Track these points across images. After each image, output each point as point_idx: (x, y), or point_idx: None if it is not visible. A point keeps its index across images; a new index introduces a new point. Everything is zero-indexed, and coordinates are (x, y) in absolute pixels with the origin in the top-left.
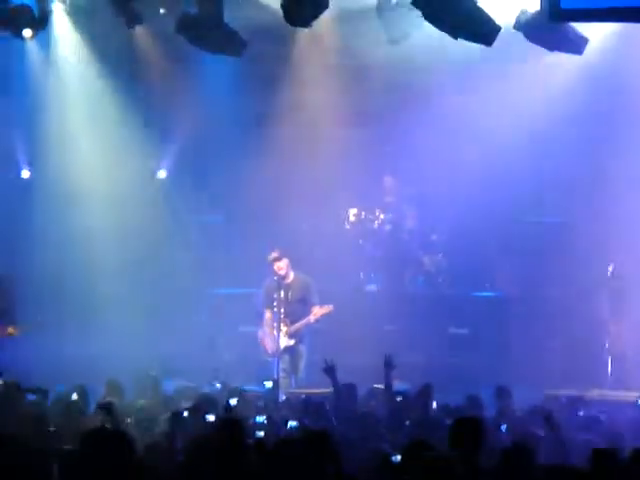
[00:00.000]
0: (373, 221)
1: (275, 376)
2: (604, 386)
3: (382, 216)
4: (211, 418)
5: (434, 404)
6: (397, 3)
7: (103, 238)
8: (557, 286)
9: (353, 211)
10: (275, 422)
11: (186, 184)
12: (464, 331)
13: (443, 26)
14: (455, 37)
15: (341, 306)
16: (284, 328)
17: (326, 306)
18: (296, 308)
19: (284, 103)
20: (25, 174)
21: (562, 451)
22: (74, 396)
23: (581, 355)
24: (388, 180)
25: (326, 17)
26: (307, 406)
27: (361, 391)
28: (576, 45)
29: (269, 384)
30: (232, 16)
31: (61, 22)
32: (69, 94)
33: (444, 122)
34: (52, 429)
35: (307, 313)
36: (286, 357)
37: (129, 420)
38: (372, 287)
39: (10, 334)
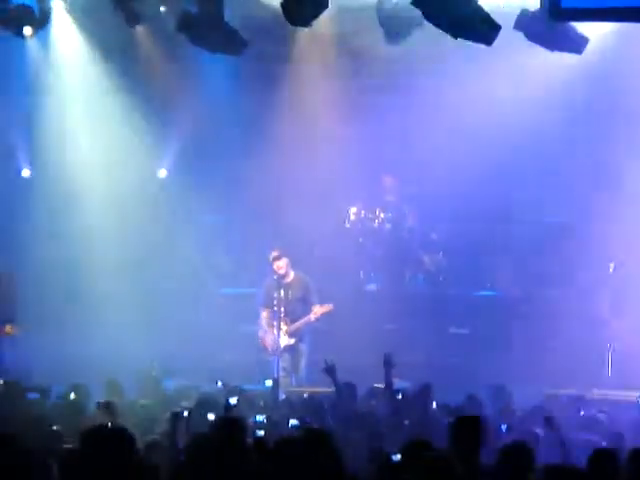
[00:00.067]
0: (373, 220)
1: (275, 375)
2: (604, 386)
3: (382, 215)
4: (211, 417)
5: (434, 404)
6: (397, 2)
7: (103, 237)
8: (558, 285)
9: (353, 210)
10: (275, 421)
11: (186, 183)
12: (464, 331)
13: (443, 25)
14: (455, 37)
15: (341, 305)
16: (284, 327)
17: (326, 305)
18: (296, 307)
19: (284, 102)
20: (25, 173)
21: (563, 451)
22: (74, 395)
23: (581, 355)
24: (388, 179)
25: (326, 16)
26: (307, 405)
27: (361, 390)
28: (576, 44)
29: (269, 383)
30: (232, 15)
31: (62, 21)
32: (69, 93)
33: (444, 121)
34: (53, 428)
35: (307, 312)
36: (286, 356)
37: (130, 419)
38: (372, 286)
39: (8, 333)
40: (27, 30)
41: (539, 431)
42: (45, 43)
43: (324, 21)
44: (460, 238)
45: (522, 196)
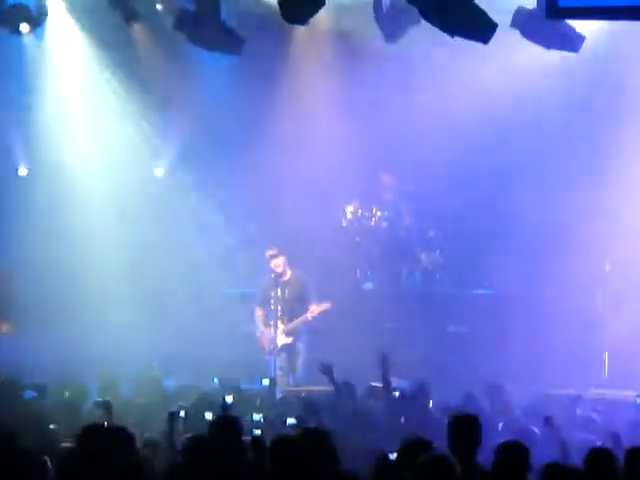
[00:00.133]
0: (370, 218)
1: (272, 374)
2: (602, 385)
3: (379, 213)
4: (209, 416)
5: (431, 402)
6: (393, 0)
7: (102, 236)
8: (555, 284)
9: (350, 208)
10: (272, 420)
11: (185, 182)
12: (462, 329)
13: (440, 23)
14: (452, 35)
15: (338, 304)
16: (281, 326)
17: (323, 304)
18: (293, 306)
19: (282, 100)
20: (23, 172)
21: (562, 451)
22: (72, 394)
23: (579, 354)
24: (386, 178)
25: (323, 14)
26: (304, 404)
27: (359, 389)
28: (573, 43)
29: (266, 382)
30: (229, 13)
31: (59, 19)
32: (67, 91)
33: (443, 119)
34: (51, 427)
35: (304, 311)
36: (283, 355)
37: (128, 419)
38: (369, 285)
39: (5, 332)
40: (24, 27)
41: (536, 430)
42: (43, 41)
43: (321, 19)
44: (458, 235)
45: (521, 194)
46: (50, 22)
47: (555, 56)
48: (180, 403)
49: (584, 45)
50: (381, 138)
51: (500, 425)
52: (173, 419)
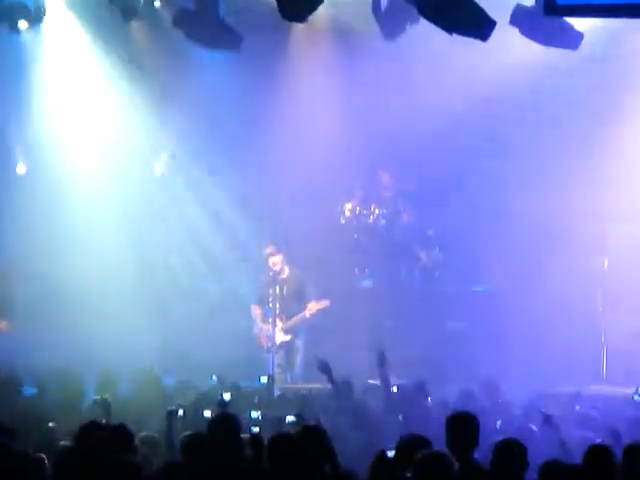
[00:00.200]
0: (368, 216)
1: (270, 372)
2: (600, 382)
3: (377, 211)
4: (208, 414)
5: (429, 399)
6: None
7: (102, 235)
8: (554, 281)
9: (348, 206)
10: (270, 417)
11: (183, 180)
12: (461, 326)
13: (438, 21)
14: (450, 32)
15: (336, 302)
16: (279, 324)
17: (322, 301)
18: (291, 303)
19: (280, 97)
20: (21, 169)
21: (562, 449)
22: (71, 392)
23: (577, 351)
24: (385, 176)
25: (322, 11)
26: (303, 402)
27: (358, 387)
28: (571, 40)
29: (264, 380)
30: (228, 10)
31: (58, 16)
32: (66, 88)
33: (442, 117)
34: (50, 425)
35: (302, 308)
36: (281, 353)
37: (127, 416)
38: (367, 282)
39: (3, 330)
40: (22, 24)
41: (534, 427)
42: (41, 38)
43: (320, 15)
44: (457, 233)
45: (521, 192)
46: (49, 19)
47: (554, 55)
48: (178, 401)
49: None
50: (380, 135)
51: (498, 423)
52: (171, 417)
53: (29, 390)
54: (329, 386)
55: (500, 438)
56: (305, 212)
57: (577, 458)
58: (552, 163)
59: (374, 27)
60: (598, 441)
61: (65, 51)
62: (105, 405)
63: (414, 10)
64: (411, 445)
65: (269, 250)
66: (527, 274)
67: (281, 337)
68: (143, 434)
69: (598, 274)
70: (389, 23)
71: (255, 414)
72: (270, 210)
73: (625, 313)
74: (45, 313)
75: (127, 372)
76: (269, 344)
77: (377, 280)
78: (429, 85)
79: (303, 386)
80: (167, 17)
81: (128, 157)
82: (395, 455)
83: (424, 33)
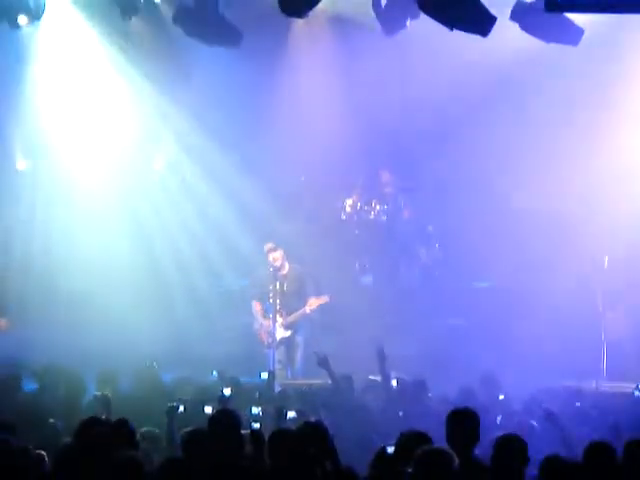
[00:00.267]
0: (369, 212)
1: (271, 367)
2: (600, 377)
3: (378, 207)
4: (208, 410)
5: (429, 395)
6: None
7: (101, 230)
8: (554, 277)
9: (349, 202)
10: (271, 413)
11: (183, 175)
12: (462, 322)
13: (439, 17)
14: (451, 28)
15: (337, 297)
16: (280, 319)
17: (322, 297)
18: (291, 299)
19: (280, 93)
20: (21, 165)
21: (564, 445)
22: (71, 388)
23: (578, 347)
24: (385, 174)
25: (321, 6)
26: (303, 397)
27: (358, 382)
28: (572, 36)
29: (265, 375)
30: (227, 5)
31: (58, 11)
32: (66, 82)
33: (442, 114)
34: (51, 421)
35: (302, 304)
36: (282, 348)
37: (127, 412)
38: (368, 278)
39: (1, 328)
40: (22, 19)
41: (535, 423)
42: (41, 33)
43: (320, 12)
44: (457, 229)
45: (520, 190)
46: (49, 14)
47: (555, 51)
48: (178, 397)
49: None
50: (380, 131)
51: (499, 419)
52: (172, 413)
53: (29, 386)
54: (329, 382)
55: (500, 434)
56: (306, 208)
57: (578, 454)
58: (552, 162)
59: (374, 22)
60: (598, 437)
61: (65, 46)
62: (105, 401)
63: (414, 5)
64: (411, 441)
65: (269, 246)
66: (527, 270)
67: (281, 333)
68: (144, 430)
69: (598, 270)
70: (389, 19)
71: (255, 410)
72: (270, 206)
73: (625, 309)
74: (45, 310)
75: (127, 368)
76: (269, 340)
77: (377, 276)
78: (429, 81)
79: (303, 382)
80: (167, 14)
81: (129, 153)
82: (395, 451)
83: (424, 29)
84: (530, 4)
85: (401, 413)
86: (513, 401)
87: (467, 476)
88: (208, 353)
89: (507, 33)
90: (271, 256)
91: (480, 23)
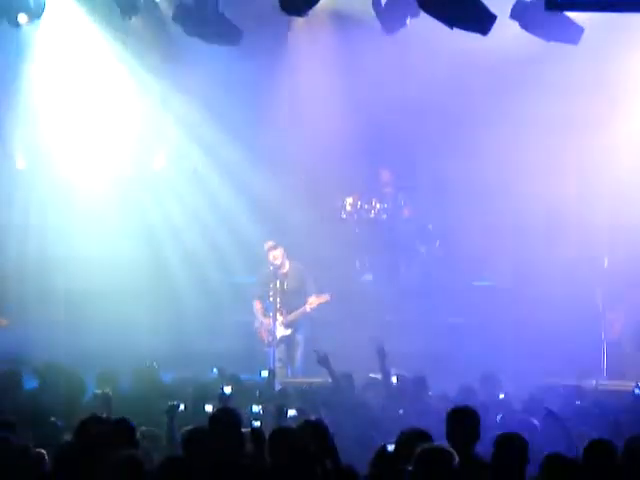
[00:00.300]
0: (369, 210)
1: (271, 366)
2: (600, 376)
3: (378, 205)
4: (209, 408)
5: (430, 393)
6: None
7: (101, 228)
8: (554, 276)
9: (349, 200)
10: (271, 412)
11: (183, 171)
12: (462, 320)
13: (439, 15)
14: (451, 26)
15: (337, 295)
16: (280, 318)
17: (323, 295)
18: (292, 298)
19: (280, 91)
20: (20, 164)
21: (566, 443)
22: (71, 387)
23: (578, 345)
24: (385, 173)
25: (322, 5)
26: (304, 396)
27: (358, 380)
28: (572, 34)
29: (265, 374)
30: (226, 2)
31: (58, 9)
32: (66, 83)
33: (442, 111)
34: (52, 419)
35: (303, 303)
36: (282, 347)
37: (127, 411)
38: (368, 276)
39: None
40: (22, 17)
41: (535, 421)
42: (41, 31)
43: (320, 10)
44: (457, 227)
45: (520, 188)
46: (49, 12)
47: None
48: (178, 396)
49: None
50: (381, 129)
51: (499, 417)
52: (172, 412)
53: (30, 384)
54: (330, 380)
55: (501, 432)
56: (306, 206)
57: (578, 452)
58: (553, 161)
59: (374, 20)
60: (599, 435)
61: (65, 42)
62: (106, 400)
63: (414, 4)
64: (412, 439)
65: (269, 244)
66: (528, 269)
67: (281, 331)
68: (144, 428)
69: (598, 269)
70: (389, 17)
71: (256, 408)
72: (270, 204)
73: (625, 308)
74: (44, 309)
75: (127, 367)
76: (269, 338)
77: (377, 275)
78: (430, 79)
79: (304, 380)
80: (167, 13)
81: (131, 147)
82: (396, 449)
83: (425, 27)
84: (530, 3)
85: (401, 411)
86: (513, 400)
87: (467, 474)
88: (208, 351)
89: (507, 31)
90: (271, 254)
91: (480, 22)
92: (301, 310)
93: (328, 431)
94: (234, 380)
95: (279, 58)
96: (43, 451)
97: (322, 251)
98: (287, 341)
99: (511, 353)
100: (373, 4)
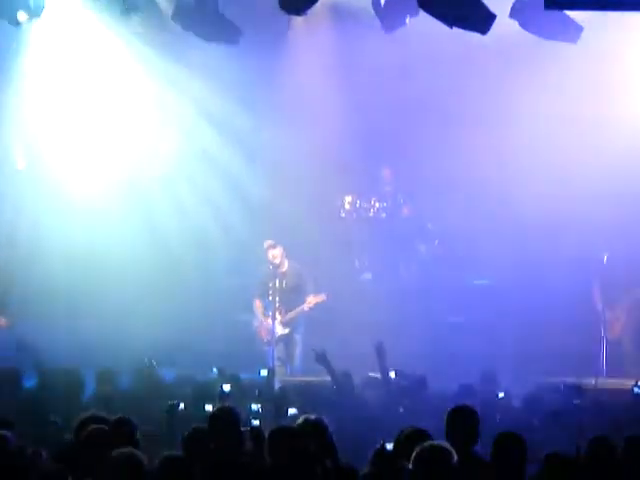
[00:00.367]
0: (368, 209)
1: (270, 364)
2: (600, 374)
3: (377, 204)
4: (209, 408)
5: (429, 392)
6: None
7: (101, 227)
8: (554, 274)
9: (348, 199)
10: (270, 410)
11: (183, 172)
12: (461, 319)
13: (438, 14)
14: (450, 25)
15: (336, 294)
16: (278, 317)
17: (320, 295)
18: (290, 297)
19: (280, 91)
20: (21, 165)
21: (563, 442)
22: (70, 385)
23: (577, 343)
24: (386, 172)
25: (321, 4)
26: (303, 394)
27: (357, 380)
28: (571, 33)
29: (264, 372)
30: (227, 2)
31: (58, 8)
32: (66, 81)
33: (441, 110)
34: (51, 418)
35: (301, 302)
36: (281, 345)
37: (127, 410)
38: (367, 275)
39: (1, 325)
40: (21, 15)
41: (535, 420)
42: (39, 31)
43: (319, 9)
44: (456, 226)
45: (520, 186)
46: (48, 11)
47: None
48: (178, 395)
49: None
50: (380, 128)
51: (498, 416)
52: (172, 411)
53: (29, 382)
54: (329, 379)
55: (500, 431)
56: (305, 205)
57: (578, 450)
58: (552, 160)
59: (374, 19)
60: (599, 434)
61: (64, 41)
62: (106, 398)
63: (413, 3)
64: (411, 438)
65: (268, 243)
66: (527, 267)
67: (280, 330)
68: (144, 428)
69: (598, 269)
70: (388, 16)
71: (255, 407)
72: (270, 203)
73: (624, 305)
74: (44, 308)
75: (126, 366)
76: (268, 338)
77: (377, 274)
78: (430, 77)
79: (303, 379)
80: (167, 10)
81: (128, 149)
82: (395, 448)
83: (425, 25)
84: (529, 1)
85: (402, 409)
86: (513, 398)
87: (467, 473)
88: (207, 350)
89: (507, 30)
90: (270, 253)
91: (480, 21)
92: (299, 309)
93: (327, 429)
94: (234, 379)
95: (278, 57)
96: (41, 450)
97: (321, 250)
98: (286, 340)
99: (511, 352)
100: (373, 3)
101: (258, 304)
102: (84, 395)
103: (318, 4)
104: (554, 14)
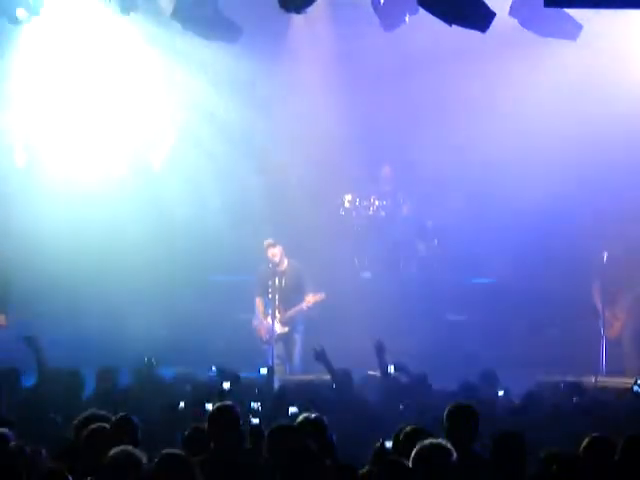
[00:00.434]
0: (368, 208)
1: (270, 363)
2: (600, 373)
3: (377, 203)
4: (209, 407)
5: (429, 391)
6: None
7: (100, 225)
8: (554, 273)
9: (348, 197)
10: (270, 408)
11: (181, 171)
12: (461, 318)
13: (438, 12)
14: (450, 23)
15: (336, 293)
16: (278, 315)
17: (319, 294)
18: (290, 295)
19: (280, 90)
20: (20, 162)
21: (562, 440)
22: (70, 383)
23: (577, 341)
24: (386, 170)
25: (321, 3)
26: (302, 392)
27: (357, 378)
28: (570, 31)
29: (264, 371)
30: (226, 1)
31: (58, 5)
32: (66, 80)
33: (441, 110)
34: (51, 416)
35: (301, 300)
36: (280, 344)
37: (127, 409)
38: (367, 274)
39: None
40: (21, 13)
41: (535, 418)
42: (38, 29)
43: (319, 7)
44: (456, 225)
45: (520, 186)
46: (48, 8)
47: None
48: (177, 394)
49: None
50: (380, 126)
51: (498, 415)
52: (172, 410)
53: (29, 381)
54: (328, 377)
55: (499, 430)
56: (304, 204)
57: (577, 448)
58: (551, 159)
59: (373, 16)
60: (598, 432)
61: (63, 39)
62: (105, 397)
63: (413, 1)
64: (410, 436)
65: (268, 241)
66: (527, 266)
67: (279, 329)
68: (143, 426)
69: (597, 266)
70: (388, 14)
71: (255, 405)
72: (269, 202)
73: (624, 304)
74: (44, 306)
75: (126, 365)
76: (267, 336)
77: (376, 272)
78: (430, 75)
79: (303, 377)
80: (166, 9)
81: (125, 146)
82: (394, 446)
83: (425, 24)
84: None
85: (402, 407)
86: (513, 397)
87: (466, 471)
88: (207, 348)
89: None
90: (270, 252)
91: (479, 19)
92: (298, 308)
93: (327, 428)
94: (233, 378)
95: (278, 55)
96: (41, 449)
97: (321, 248)
98: (285, 339)
99: (510, 350)
100: (372, 1)
101: (259, 303)
102: (84, 394)
103: (318, 2)
104: (553, 12)
